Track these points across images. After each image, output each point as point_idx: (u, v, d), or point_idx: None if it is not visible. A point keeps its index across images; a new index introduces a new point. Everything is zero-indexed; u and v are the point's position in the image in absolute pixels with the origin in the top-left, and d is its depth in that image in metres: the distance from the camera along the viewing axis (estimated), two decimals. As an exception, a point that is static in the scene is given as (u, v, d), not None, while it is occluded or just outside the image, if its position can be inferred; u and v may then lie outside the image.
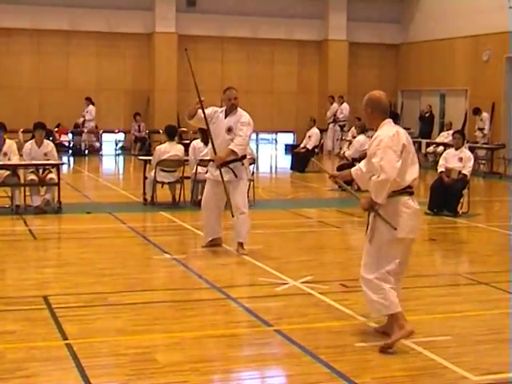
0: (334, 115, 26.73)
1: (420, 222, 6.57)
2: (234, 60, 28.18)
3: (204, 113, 9.70)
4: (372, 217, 6.39)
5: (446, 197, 13.46)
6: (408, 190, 6.30)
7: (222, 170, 9.64)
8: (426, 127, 26.57)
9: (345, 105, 26.64)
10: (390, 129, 6.33)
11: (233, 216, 9.63)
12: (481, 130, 23.43)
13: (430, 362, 5.89)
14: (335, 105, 26.96)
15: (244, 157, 9.88)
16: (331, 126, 26.70)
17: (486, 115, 23.66)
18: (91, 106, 25.18)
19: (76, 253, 9.92)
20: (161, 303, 7.57)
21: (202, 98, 9.65)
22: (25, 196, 13.15)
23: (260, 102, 27.45)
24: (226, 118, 9.84)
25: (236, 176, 9.74)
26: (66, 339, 6.25)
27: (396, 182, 6.13)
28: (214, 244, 10.17)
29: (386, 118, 6.49)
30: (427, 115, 26.80)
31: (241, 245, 9.80)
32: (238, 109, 9.87)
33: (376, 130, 6.47)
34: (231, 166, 9.73)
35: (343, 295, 7.87)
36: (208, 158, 10.50)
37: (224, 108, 9.93)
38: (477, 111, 23.63)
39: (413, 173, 6.31)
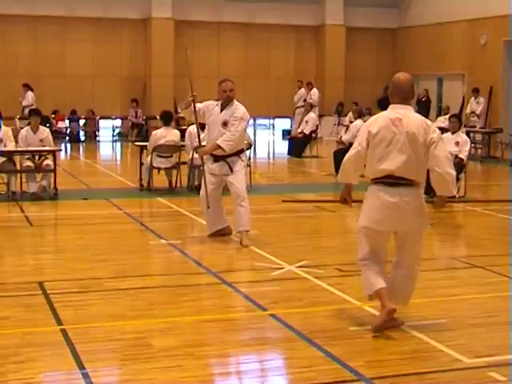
0: (305, 100, 26.09)
1: (396, 215, 6.13)
2: (231, 45, 28.10)
3: (195, 107, 9.52)
4: None
5: (442, 181, 13.43)
6: (384, 181, 6.11)
7: (218, 163, 9.51)
8: (422, 111, 26.28)
9: (314, 90, 25.92)
10: (382, 114, 6.31)
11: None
12: (474, 113, 23.37)
13: (424, 345, 5.90)
14: (303, 90, 26.45)
15: (241, 151, 9.67)
16: (297, 110, 26.16)
17: (482, 99, 23.64)
18: (30, 92, 24.11)
19: (72, 239, 9.92)
20: (156, 288, 7.57)
21: (194, 93, 9.46)
22: (21, 182, 13.13)
23: (257, 88, 27.43)
24: (221, 111, 9.57)
25: (232, 170, 9.50)
26: (61, 325, 6.25)
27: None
28: (222, 233, 9.88)
29: (403, 103, 6.37)
30: (424, 99, 26.74)
31: (245, 233, 9.49)
32: (234, 101, 9.60)
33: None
34: (228, 160, 9.51)
35: (339, 279, 7.88)
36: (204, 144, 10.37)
37: (220, 101, 9.65)
38: (477, 91, 23.56)
39: (389, 164, 6.06)
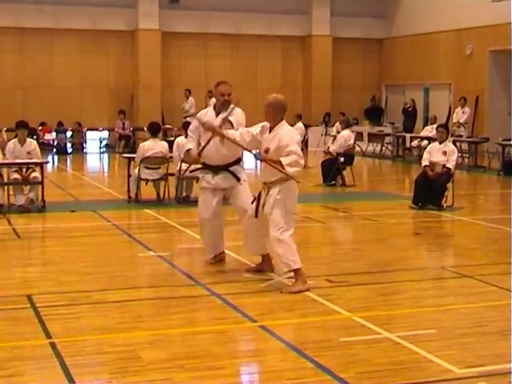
0: (183, 109, 25.80)
1: None
2: (218, 56, 28.16)
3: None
4: None
5: (430, 191, 13.48)
6: None
7: (221, 175, 8.61)
8: (409, 121, 26.64)
9: (191, 99, 25.82)
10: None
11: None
12: (460, 123, 23.47)
13: (414, 355, 5.89)
14: (191, 98, 26.30)
15: (240, 158, 8.89)
16: (189, 119, 25.66)
17: (467, 109, 23.76)
18: None
19: (60, 251, 9.88)
20: (145, 300, 7.55)
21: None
22: (8, 195, 13.07)
23: (244, 98, 27.33)
24: (217, 116, 8.63)
25: (238, 180, 8.68)
26: (50, 338, 6.22)
27: None
28: (218, 260, 9.04)
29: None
30: (410, 109, 26.87)
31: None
32: (232, 106, 8.67)
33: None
34: (231, 169, 8.67)
35: (328, 290, 7.87)
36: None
37: (212, 106, 8.88)
38: (465, 101, 23.66)
39: None
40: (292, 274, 7.95)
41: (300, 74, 29.38)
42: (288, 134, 7.89)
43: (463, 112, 23.74)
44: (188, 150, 8.86)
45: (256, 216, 8.04)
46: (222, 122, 8.38)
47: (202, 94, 25.67)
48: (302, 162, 7.84)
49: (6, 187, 13.13)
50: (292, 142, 7.81)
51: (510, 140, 20.60)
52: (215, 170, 8.64)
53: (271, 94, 8.14)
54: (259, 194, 8.08)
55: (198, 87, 26.21)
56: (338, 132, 19.98)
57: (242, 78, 28.10)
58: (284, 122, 8.01)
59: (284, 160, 7.71)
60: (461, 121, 23.58)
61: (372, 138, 26.43)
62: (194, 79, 27.25)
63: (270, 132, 7.95)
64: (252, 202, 8.17)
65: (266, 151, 7.87)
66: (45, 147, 23.17)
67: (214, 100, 9.23)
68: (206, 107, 9.03)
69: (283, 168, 7.68)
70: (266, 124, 8.03)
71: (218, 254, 9.05)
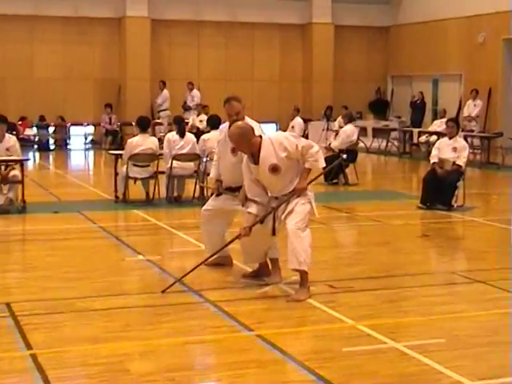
0: (185, 103, 25.79)
1: None
2: (211, 45, 28.11)
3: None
4: None
5: (439, 189, 13.47)
6: None
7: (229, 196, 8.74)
8: (417, 115, 26.66)
9: (195, 91, 25.53)
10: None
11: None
12: (472, 117, 23.46)
13: (423, 366, 5.88)
14: (166, 91, 26.10)
15: None
16: (162, 113, 25.56)
17: (479, 102, 23.75)
18: None
19: (42, 256, 9.86)
20: (134, 308, 7.53)
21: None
22: (-14, 195, 13.06)
23: (239, 91, 27.25)
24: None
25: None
26: (31, 349, 6.20)
27: None
28: (222, 263, 9.11)
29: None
30: (418, 102, 26.89)
31: (276, 262, 8.57)
32: (246, 119, 8.45)
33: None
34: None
35: (330, 296, 7.86)
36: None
37: (227, 124, 8.72)
38: (476, 93, 23.65)
39: None
40: (294, 278, 7.95)
41: (299, 65, 29.36)
42: (276, 141, 7.81)
43: (475, 105, 23.73)
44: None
45: (274, 234, 8.06)
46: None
47: (195, 86, 25.65)
48: (314, 145, 7.89)
49: (-17, 186, 13.11)
50: (287, 141, 7.80)
51: (525, 135, 20.62)
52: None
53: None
54: (273, 211, 7.95)
55: (189, 79, 26.16)
56: (341, 127, 19.98)
57: (237, 68, 28.08)
58: (257, 137, 7.89)
59: (310, 165, 7.85)
60: (472, 114, 23.58)
61: (377, 133, 26.46)
62: (185, 70, 27.24)
63: (256, 158, 7.84)
64: (261, 222, 8.02)
65: (275, 170, 7.81)
66: (25, 143, 23.11)
67: (194, 93, 9.23)
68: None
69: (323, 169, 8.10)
70: (245, 159, 8.01)
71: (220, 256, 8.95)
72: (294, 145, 7.76)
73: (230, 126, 8.32)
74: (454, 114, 23.64)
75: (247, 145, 7.85)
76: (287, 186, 7.92)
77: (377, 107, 29.64)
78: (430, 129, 23.90)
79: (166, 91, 25.66)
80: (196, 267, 8.33)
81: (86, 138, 27.00)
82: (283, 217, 7.91)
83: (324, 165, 8.01)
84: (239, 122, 8.08)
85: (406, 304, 7.74)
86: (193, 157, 13.96)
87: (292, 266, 7.84)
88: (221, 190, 8.88)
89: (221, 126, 9.12)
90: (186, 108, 24.76)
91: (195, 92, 25.31)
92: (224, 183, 8.89)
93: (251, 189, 8.03)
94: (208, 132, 14.48)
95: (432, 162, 13.82)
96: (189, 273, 8.25)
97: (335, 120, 24.78)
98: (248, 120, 8.49)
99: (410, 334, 6.57)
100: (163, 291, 7.93)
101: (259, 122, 8.59)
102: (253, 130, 7.94)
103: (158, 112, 25.57)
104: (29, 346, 6.28)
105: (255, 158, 7.86)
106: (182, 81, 25.98)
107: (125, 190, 13.95)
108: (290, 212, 7.86)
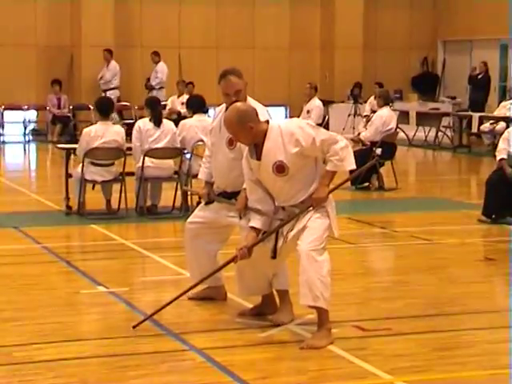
0: (148, 80, 25.65)
1: None
2: (197, 2, 28.14)
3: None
4: None
5: (509, 196, 13.49)
6: None
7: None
8: (478, 95, 26.70)
9: (161, 65, 25.70)
10: None
11: None
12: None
13: None
14: (113, 62, 26.28)
15: None
16: (110, 93, 25.26)
17: None
18: None
19: (-34, 287, 9.90)
20: (91, 359, 7.54)
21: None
22: None
23: (236, 62, 27.39)
24: None
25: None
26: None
27: None
28: (212, 296, 9.22)
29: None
30: (480, 77, 26.92)
31: (285, 295, 8.67)
32: (248, 100, 8.52)
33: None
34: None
35: (359, 342, 7.88)
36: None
37: (223, 106, 8.77)
38: None
39: None
40: (309, 317, 7.98)
41: (317, 28, 29.41)
42: (287, 131, 7.77)
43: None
44: None
45: (274, 257, 8.01)
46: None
47: (175, 56, 25.74)
48: (339, 138, 7.86)
49: None
50: (301, 132, 7.76)
51: None
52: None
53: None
54: (276, 230, 7.94)
55: (168, 46, 26.22)
56: (374, 111, 20.04)
57: (233, 33, 28.08)
58: (262, 123, 7.89)
59: (334, 166, 7.88)
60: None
61: (423, 119, 26.45)
62: (162, 34, 27.26)
63: (259, 151, 7.83)
64: (262, 240, 8.03)
65: (280, 170, 7.79)
66: None
67: (159, 67, 9.22)
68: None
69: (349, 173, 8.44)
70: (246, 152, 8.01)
71: (210, 286, 9.05)
72: (311, 138, 7.70)
73: (226, 110, 8.29)
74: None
75: (248, 133, 7.79)
76: (296, 194, 7.86)
77: (423, 84, 29.72)
78: (496, 113, 23.93)
79: (113, 62, 25.55)
80: (177, 298, 8.36)
81: (25, 127, 27.00)
82: (291, 234, 7.87)
83: (354, 166, 7.99)
84: (238, 103, 8.07)
85: (464, 353, 7.73)
86: (172, 152, 13.96)
87: (305, 301, 7.81)
88: (212, 196, 8.89)
89: (217, 109, 8.98)
90: (149, 87, 24.75)
91: (160, 66, 25.17)
92: (217, 187, 8.88)
93: (253, 192, 8.01)
94: (191, 118, 14.41)
95: (499, 158, 13.82)
96: (166, 305, 8.29)
97: (366, 102, 24.83)
98: (251, 101, 8.52)
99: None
100: (134, 327, 7.96)
101: (263, 105, 8.59)
102: (256, 113, 7.90)
103: (104, 91, 25.28)
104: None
105: (258, 150, 7.86)
106: (158, 49, 25.94)
107: (80, 198, 13.96)
108: (302, 229, 7.81)
